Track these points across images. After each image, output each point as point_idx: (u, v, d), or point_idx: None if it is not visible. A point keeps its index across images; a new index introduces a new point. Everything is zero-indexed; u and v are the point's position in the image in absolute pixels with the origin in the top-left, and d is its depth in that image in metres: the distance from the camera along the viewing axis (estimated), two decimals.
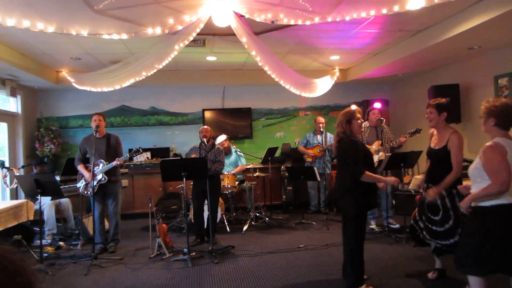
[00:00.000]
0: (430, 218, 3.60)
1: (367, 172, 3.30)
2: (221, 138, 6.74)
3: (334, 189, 3.83)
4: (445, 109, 3.59)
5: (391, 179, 3.56)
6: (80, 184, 5.23)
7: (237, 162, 7.06)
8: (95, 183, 4.94)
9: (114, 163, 4.98)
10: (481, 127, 2.88)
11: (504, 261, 2.63)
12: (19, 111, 7.28)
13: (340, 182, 3.54)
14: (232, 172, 6.53)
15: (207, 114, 8.47)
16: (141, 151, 5.13)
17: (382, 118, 5.89)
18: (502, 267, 2.68)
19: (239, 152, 7.19)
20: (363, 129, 5.44)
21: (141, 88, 7.81)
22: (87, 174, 5.08)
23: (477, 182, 2.78)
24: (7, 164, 6.42)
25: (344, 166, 3.49)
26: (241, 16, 4.02)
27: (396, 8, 3.30)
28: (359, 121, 3.52)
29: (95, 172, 4.97)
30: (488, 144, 2.68)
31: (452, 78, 6.49)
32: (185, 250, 4.69)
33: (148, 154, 7.80)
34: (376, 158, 5.62)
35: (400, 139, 5.63)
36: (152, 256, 4.87)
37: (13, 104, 7.18)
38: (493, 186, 2.59)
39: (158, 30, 3.74)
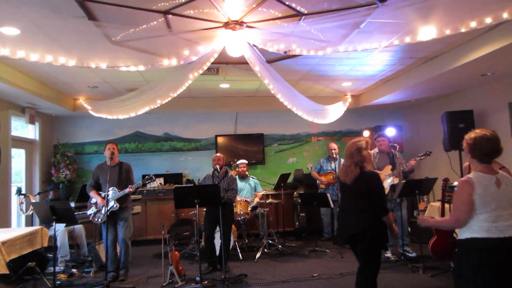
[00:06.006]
0: None
1: (390, 214, 3.30)
2: (242, 160, 7.10)
3: (349, 225, 3.51)
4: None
5: (396, 229, 3.62)
6: (91, 212, 5.26)
7: (256, 188, 7.09)
8: (107, 209, 4.98)
9: (127, 190, 5.03)
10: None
11: None
12: (37, 138, 7.45)
13: (363, 216, 3.33)
14: (253, 204, 6.72)
15: (220, 140, 8.54)
16: (153, 178, 5.16)
17: (396, 145, 5.86)
18: None
19: (254, 178, 7.18)
20: (372, 158, 5.43)
21: (155, 114, 7.93)
22: (99, 199, 5.13)
23: None
24: (23, 190, 6.53)
25: (367, 198, 3.32)
26: (254, 45, 4.11)
27: (407, 39, 3.34)
28: (369, 151, 3.52)
29: (108, 199, 5.01)
30: (461, 179, 2.68)
31: (466, 104, 6.44)
32: (198, 278, 4.65)
33: (161, 180, 7.86)
34: (387, 183, 5.57)
35: (410, 163, 5.58)
36: (164, 284, 4.82)
37: (31, 131, 7.35)
38: (448, 220, 2.82)
39: (173, 62, 3.84)
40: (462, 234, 2.65)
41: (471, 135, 2.70)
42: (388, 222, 3.33)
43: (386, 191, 5.42)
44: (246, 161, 7.15)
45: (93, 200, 5.24)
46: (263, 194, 6.68)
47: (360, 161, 3.37)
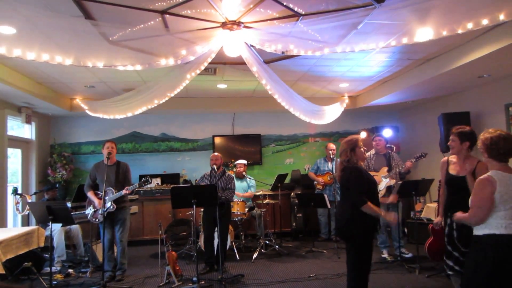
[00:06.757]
0: (464, 252, 3.45)
1: (369, 203, 3.26)
2: (241, 160, 7.06)
3: (336, 218, 3.70)
4: (467, 139, 3.57)
5: (390, 216, 3.49)
6: (89, 211, 5.24)
7: (248, 189, 7.07)
8: (104, 210, 4.96)
9: (123, 192, 5.00)
10: None
11: None
12: (33, 137, 7.42)
13: (343, 210, 3.51)
14: (241, 195, 6.65)
15: (217, 141, 8.54)
16: (150, 180, 5.12)
17: (392, 146, 5.87)
18: None
19: (251, 179, 7.16)
20: (366, 156, 5.42)
21: (152, 114, 7.92)
22: (97, 201, 5.11)
23: None
24: (19, 190, 6.50)
25: (347, 193, 3.47)
26: (252, 46, 4.11)
27: (404, 40, 3.35)
28: (362, 149, 3.52)
29: (105, 199, 4.99)
30: (481, 177, 2.69)
31: (462, 106, 6.48)
32: (194, 278, 4.64)
33: (158, 180, 7.84)
34: (383, 184, 5.57)
35: (406, 164, 5.56)
36: (161, 284, 4.81)
37: (27, 131, 7.33)
38: (469, 217, 2.72)
39: (171, 61, 3.84)
40: (480, 230, 2.67)
41: (485, 135, 2.72)
42: (371, 211, 3.27)
43: (382, 192, 5.43)
44: (245, 162, 7.12)
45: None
46: (260, 195, 6.67)
47: (344, 160, 3.48)
